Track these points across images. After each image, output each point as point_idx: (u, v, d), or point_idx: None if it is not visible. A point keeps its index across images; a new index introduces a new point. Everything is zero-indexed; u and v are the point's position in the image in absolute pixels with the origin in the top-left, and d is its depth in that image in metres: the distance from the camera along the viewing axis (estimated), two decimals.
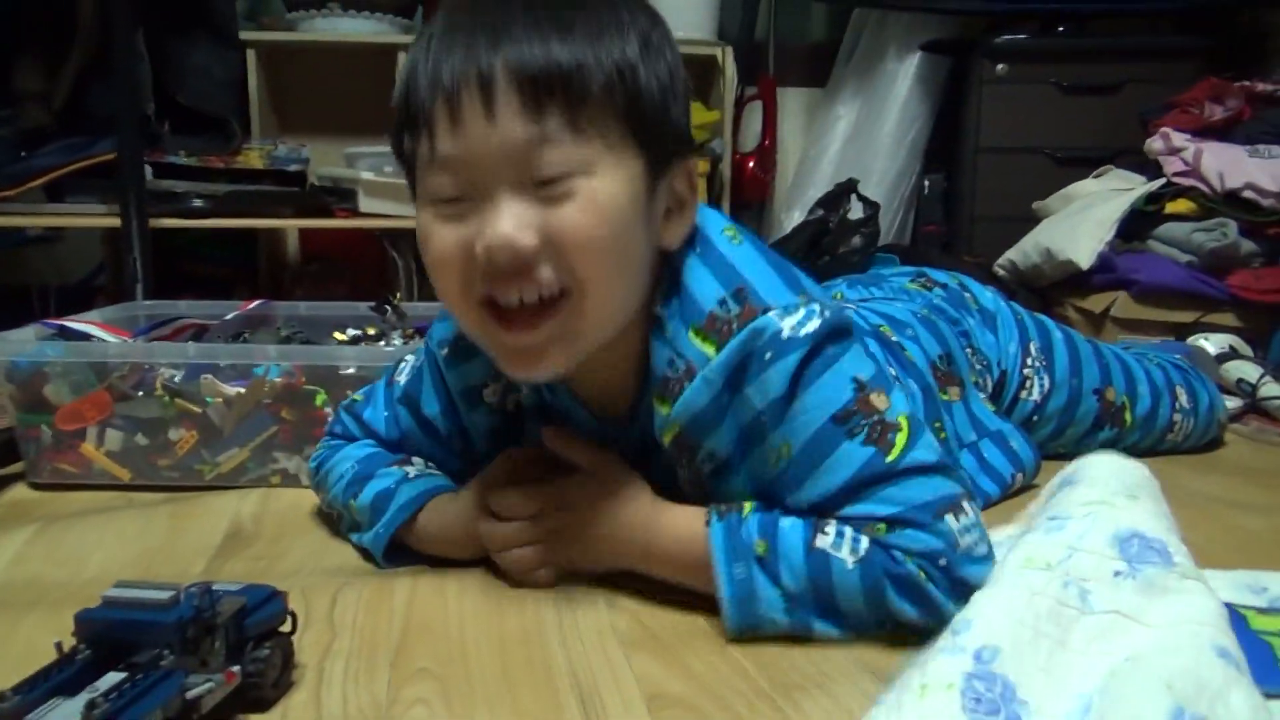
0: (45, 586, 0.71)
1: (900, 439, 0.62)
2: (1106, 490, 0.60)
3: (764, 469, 0.65)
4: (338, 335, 1.16)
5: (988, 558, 0.61)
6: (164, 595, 0.50)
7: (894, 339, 0.88)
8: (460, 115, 0.58)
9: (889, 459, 0.61)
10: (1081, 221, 1.71)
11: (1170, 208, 1.69)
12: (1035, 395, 1.01)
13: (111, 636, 0.50)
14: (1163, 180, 1.70)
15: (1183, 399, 1.09)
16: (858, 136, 2.36)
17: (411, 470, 0.78)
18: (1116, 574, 0.53)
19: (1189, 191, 1.67)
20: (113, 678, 0.48)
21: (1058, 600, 0.52)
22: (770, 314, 0.62)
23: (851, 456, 0.61)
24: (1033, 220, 1.91)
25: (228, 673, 0.51)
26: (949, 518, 0.60)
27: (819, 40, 2.56)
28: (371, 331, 1.16)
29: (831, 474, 0.62)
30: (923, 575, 0.59)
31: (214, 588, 0.53)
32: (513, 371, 0.65)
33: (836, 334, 0.63)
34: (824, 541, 0.61)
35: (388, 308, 1.20)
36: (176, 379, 0.95)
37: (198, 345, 0.99)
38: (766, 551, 0.62)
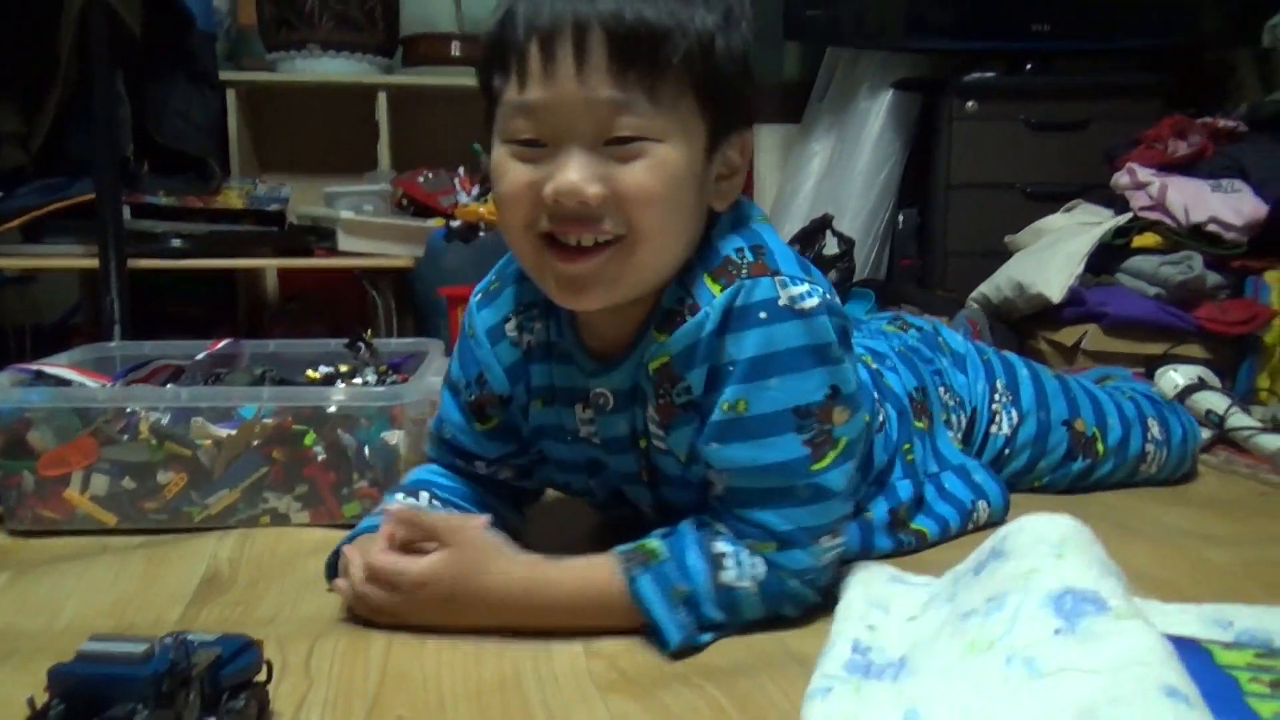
0: (18, 637, 0.71)
1: (831, 455, 0.69)
2: (1034, 557, 0.63)
3: (712, 413, 0.69)
4: (310, 373, 1.16)
5: (836, 566, 0.74)
6: (138, 649, 0.50)
7: (874, 366, 0.93)
8: (552, 64, 0.62)
9: (811, 467, 0.68)
10: (1052, 255, 1.74)
11: (1137, 241, 1.72)
12: (1005, 429, 1.04)
13: (85, 691, 0.50)
14: (1129, 214, 1.74)
15: (1154, 430, 1.11)
16: (832, 172, 2.40)
17: (396, 501, 0.80)
18: (1057, 632, 0.55)
19: (1155, 225, 1.71)
20: None
21: (1003, 678, 0.54)
22: (776, 278, 0.67)
23: (787, 447, 0.68)
24: (1005, 254, 1.95)
25: None
26: (825, 539, 0.70)
27: (793, 78, 2.61)
28: (345, 369, 1.17)
29: (763, 449, 0.67)
30: (801, 588, 0.70)
31: (188, 639, 0.53)
32: (562, 299, 0.70)
33: (843, 338, 0.70)
34: (727, 577, 0.68)
35: (360, 344, 1.21)
36: (164, 422, 0.95)
37: (190, 390, 0.99)
38: (690, 594, 0.67)
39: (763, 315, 0.66)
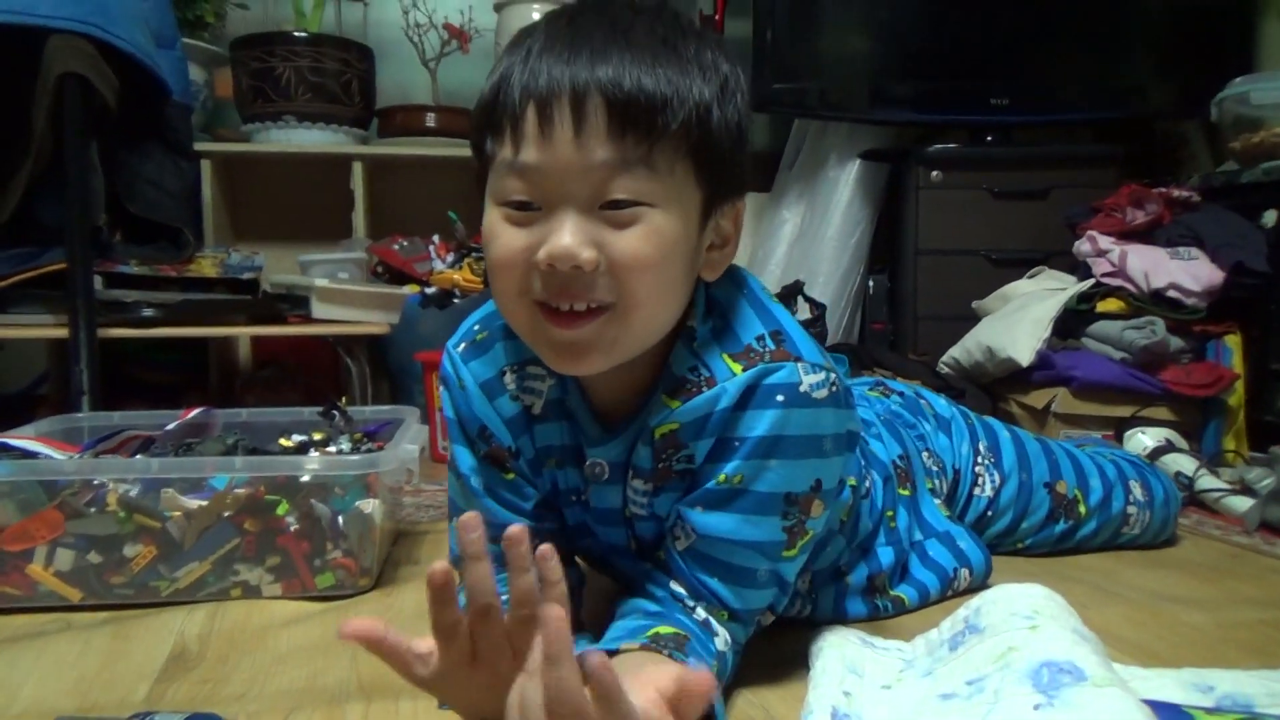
0: None
1: (799, 544, 0.71)
2: (1009, 632, 0.64)
3: (706, 482, 0.69)
4: (284, 441, 1.15)
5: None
6: None
7: (860, 433, 0.92)
8: (549, 127, 0.61)
9: (784, 553, 0.70)
10: (1019, 320, 1.77)
11: (1101, 306, 1.77)
12: (988, 491, 1.05)
13: None
14: (1092, 280, 1.78)
15: (1136, 491, 1.12)
16: (803, 239, 2.44)
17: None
18: (1037, 707, 0.55)
19: (1117, 291, 1.75)
20: None
21: None
22: (799, 364, 0.68)
23: (769, 529, 0.69)
24: (973, 318, 1.98)
25: None
26: (760, 619, 0.75)
27: (763, 147, 2.67)
28: (319, 436, 1.15)
29: (747, 526, 0.68)
30: (739, 653, 0.72)
31: (154, 718, 0.51)
32: (559, 365, 0.68)
33: (850, 440, 0.72)
34: (719, 644, 0.69)
35: (335, 412, 1.20)
36: (133, 493, 0.93)
37: (160, 460, 0.97)
38: (717, 672, 0.66)
39: (780, 398, 0.67)
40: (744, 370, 0.68)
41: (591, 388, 0.75)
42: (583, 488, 0.78)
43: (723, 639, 0.69)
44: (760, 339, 0.69)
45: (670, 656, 0.62)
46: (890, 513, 0.91)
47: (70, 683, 0.76)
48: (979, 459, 1.06)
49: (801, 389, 0.67)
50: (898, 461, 0.95)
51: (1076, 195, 2.06)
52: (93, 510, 0.93)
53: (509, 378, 0.76)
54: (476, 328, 0.79)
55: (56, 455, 1.01)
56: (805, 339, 0.71)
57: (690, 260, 0.67)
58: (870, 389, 1.11)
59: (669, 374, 0.71)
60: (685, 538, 0.70)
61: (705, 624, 0.69)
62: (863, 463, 0.89)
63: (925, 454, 1.01)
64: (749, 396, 0.67)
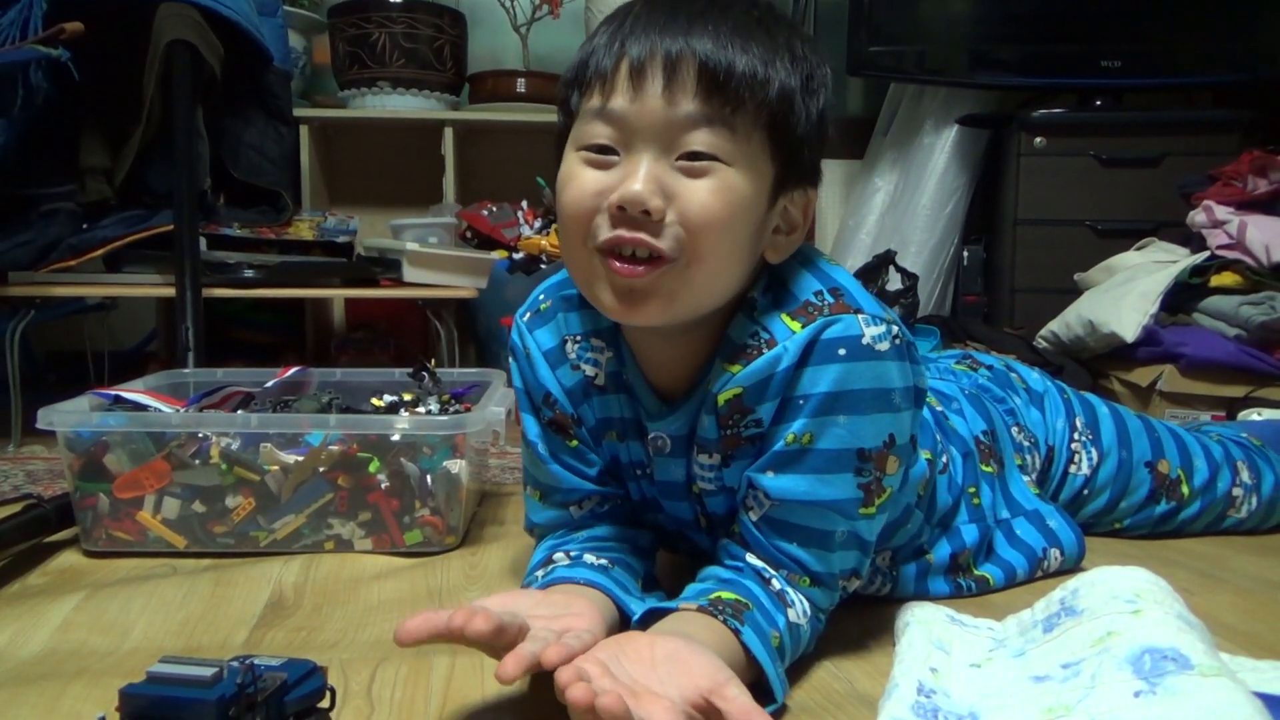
0: (89, 656, 0.72)
1: (877, 502, 0.69)
2: (1109, 616, 0.61)
3: (774, 444, 0.68)
4: (375, 401, 1.17)
5: None
6: (206, 673, 0.51)
7: (939, 409, 0.91)
8: (641, 79, 0.64)
9: (860, 510, 0.69)
10: (1125, 294, 1.69)
11: (1215, 280, 1.67)
12: (1084, 469, 1.01)
13: (154, 713, 0.50)
14: (1207, 253, 1.69)
15: (1244, 474, 1.06)
16: (896, 207, 2.38)
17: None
18: (1138, 694, 0.53)
19: (1234, 264, 1.65)
20: None
21: None
22: (860, 316, 0.67)
23: (843, 486, 0.68)
24: (1073, 292, 1.90)
25: None
26: (846, 583, 0.72)
27: (856, 113, 2.61)
28: (408, 397, 1.18)
29: (821, 485, 0.67)
30: (823, 619, 0.71)
31: (255, 663, 0.53)
32: (618, 313, 0.67)
33: (918, 395, 0.70)
34: (794, 615, 0.68)
35: (424, 374, 1.22)
36: (234, 447, 0.97)
37: (260, 416, 1.00)
38: (780, 642, 0.65)
39: (842, 352, 0.66)
40: (803, 327, 0.67)
41: (647, 359, 0.74)
42: (646, 461, 0.78)
43: (799, 609, 0.68)
44: (819, 294, 0.69)
45: (724, 622, 0.63)
46: (973, 489, 0.89)
47: (176, 624, 0.79)
48: (1075, 435, 1.01)
49: (864, 341, 0.66)
50: (980, 437, 0.92)
51: (1192, 163, 1.95)
52: (197, 462, 0.97)
53: (570, 347, 0.77)
54: (541, 297, 0.80)
55: (164, 409, 1.06)
56: (864, 294, 0.70)
57: (757, 231, 0.67)
58: (957, 362, 1.07)
59: (728, 342, 0.70)
60: (759, 506, 0.69)
61: (780, 595, 0.68)
62: (938, 436, 0.86)
63: (1015, 429, 0.97)
64: (810, 353, 0.66)
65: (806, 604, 0.69)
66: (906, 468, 0.73)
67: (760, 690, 0.61)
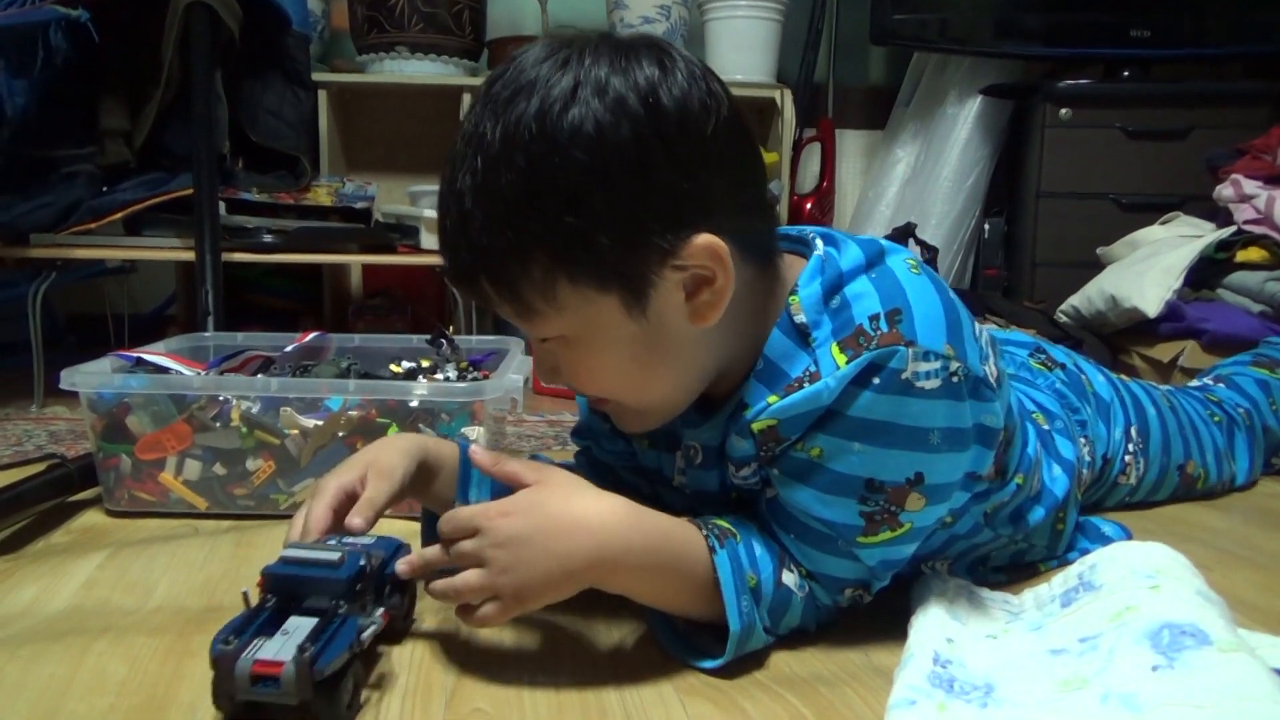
0: (114, 613, 0.73)
1: (885, 535, 0.65)
2: (1127, 591, 0.61)
3: (792, 450, 0.65)
4: (394, 367, 1.18)
5: None
6: (334, 555, 0.61)
7: (1045, 427, 0.87)
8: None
9: (859, 538, 0.65)
10: (1149, 269, 1.68)
11: (1241, 256, 1.65)
12: (1133, 479, 1.02)
13: (290, 588, 0.60)
14: (1233, 228, 1.67)
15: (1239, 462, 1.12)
16: (916, 179, 2.35)
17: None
18: (1155, 669, 0.53)
19: (1261, 240, 1.63)
20: (298, 621, 0.57)
21: (1100, 717, 0.52)
22: (910, 349, 0.61)
23: (843, 511, 0.65)
24: (1095, 266, 1.88)
25: (384, 613, 0.63)
26: (847, 591, 0.69)
27: (878, 83, 2.57)
28: (426, 364, 1.18)
29: (821, 504, 0.65)
30: (823, 610, 0.69)
31: (362, 544, 0.64)
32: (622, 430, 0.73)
33: (982, 434, 0.67)
34: (788, 578, 0.66)
35: (442, 340, 1.22)
36: (254, 410, 0.97)
37: (280, 380, 1.01)
38: (756, 585, 0.65)
39: (876, 381, 0.62)
40: (849, 362, 0.62)
41: None
42: (670, 475, 0.77)
43: (795, 578, 0.66)
44: (874, 319, 0.63)
45: (705, 538, 0.64)
46: (1061, 513, 0.83)
47: (199, 583, 0.80)
48: (1130, 445, 1.00)
49: (903, 376, 0.61)
50: (1076, 463, 0.87)
51: (1221, 136, 1.92)
52: (218, 425, 0.98)
53: None
54: None
55: (186, 371, 1.06)
56: (934, 313, 0.63)
57: (662, 335, 0.63)
58: (1030, 355, 1.01)
59: (767, 363, 0.66)
60: (772, 489, 0.68)
61: (781, 555, 0.67)
62: (1040, 458, 0.80)
63: (1083, 439, 0.93)
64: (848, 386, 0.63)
65: (807, 584, 0.67)
66: (948, 507, 0.68)
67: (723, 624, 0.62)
